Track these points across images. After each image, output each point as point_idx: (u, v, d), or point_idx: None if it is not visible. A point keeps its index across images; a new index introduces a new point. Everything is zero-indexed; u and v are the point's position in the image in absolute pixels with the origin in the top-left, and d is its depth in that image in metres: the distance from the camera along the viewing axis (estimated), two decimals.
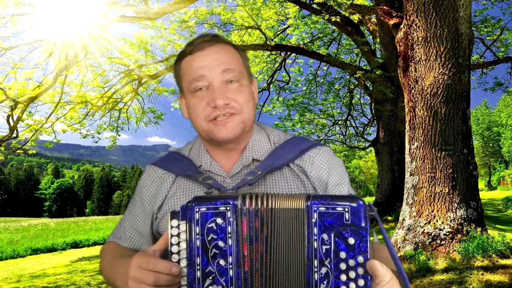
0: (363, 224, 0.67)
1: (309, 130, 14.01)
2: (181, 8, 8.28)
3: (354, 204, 0.68)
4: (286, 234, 0.73)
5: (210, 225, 0.73)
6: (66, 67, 7.84)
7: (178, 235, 0.75)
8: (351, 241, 0.67)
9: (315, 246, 0.70)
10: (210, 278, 0.72)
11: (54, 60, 8.93)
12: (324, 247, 0.69)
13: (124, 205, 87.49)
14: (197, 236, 0.73)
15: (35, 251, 11.90)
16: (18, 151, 9.37)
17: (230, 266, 0.72)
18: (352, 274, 0.67)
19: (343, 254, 0.67)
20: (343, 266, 0.67)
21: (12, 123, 8.22)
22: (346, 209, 0.68)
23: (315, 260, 0.69)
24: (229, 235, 0.73)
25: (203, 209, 0.74)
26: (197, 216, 0.74)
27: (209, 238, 0.73)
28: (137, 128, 13.12)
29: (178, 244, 0.75)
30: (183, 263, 0.74)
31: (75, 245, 13.08)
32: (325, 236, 0.69)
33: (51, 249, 12.29)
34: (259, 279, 0.73)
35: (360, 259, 0.66)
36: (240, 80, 0.95)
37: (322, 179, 0.97)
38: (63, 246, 12.66)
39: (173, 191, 0.99)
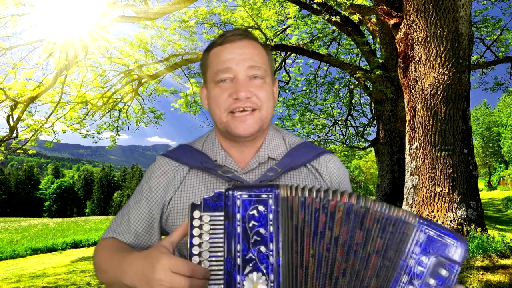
0: (460, 261, 0.71)
1: (309, 130, 14.01)
2: (181, 8, 8.28)
3: (462, 242, 0.71)
4: (364, 234, 0.73)
5: (251, 212, 0.73)
6: (66, 67, 7.84)
7: (200, 227, 0.74)
8: (444, 272, 0.70)
9: (411, 264, 0.72)
10: (251, 264, 0.72)
11: (54, 60, 8.93)
12: (419, 268, 0.71)
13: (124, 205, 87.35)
14: (238, 223, 0.73)
15: (35, 251, 11.89)
16: (18, 151, 9.36)
17: (271, 253, 0.72)
18: None
19: (432, 281, 0.70)
20: None
21: (12, 123, 8.22)
22: (454, 244, 0.71)
23: (405, 276, 0.72)
24: (271, 222, 0.73)
25: (245, 196, 0.74)
26: (238, 202, 0.74)
27: (250, 225, 0.73)
28: (137, 128, 13.12)
29: (200, 236, 0.74)
30: (205, 255, 0.73)
31: (75, 245, 13.07)
32: (424, 258, 0.71)
33: (51, 249, 12.28)
34: (290, 267, 0.73)
35: None
36: (264, 77, 0.96)
37: (333, 183, 1.02)
38: (63, 246, 12.65)
39: (186, 183, 0.98)
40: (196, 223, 0.74)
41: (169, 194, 0.98)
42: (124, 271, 0.79)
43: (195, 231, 0.74)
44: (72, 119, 11.02)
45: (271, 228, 0.73)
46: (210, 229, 0.74)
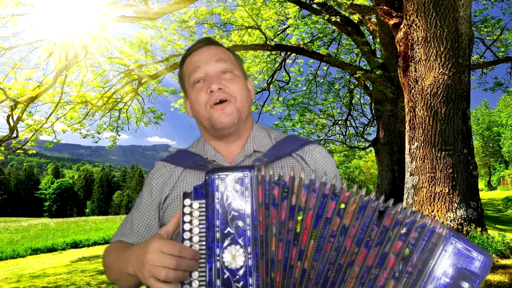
0: (482, 276, 0.72)
1: (309, 130, 14.00)
2: (181, 8, 8.28)
3: (488, 258, 0.73)
4: (384, 232, 0.74)
5: (228, 191, 0.78)
6: (66, 67, 7.84)
7: (190, 214, 0.78)
8: (466, 286, 0.72)
9: (437, 274, 0.73)
10: (229, 238, 0.76)
11: (54, 60, 8.93)
12: (444, 279, 0.73)
13: (124, 205, 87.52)
14: (217, 201, 0.77)
15: (35, 251, 11.89)
16: (18, 151, 9.36)
17: (248, 227, 0.76)
18: None
19: None
20: None
21: (12, 123, 8.21)
22: (479, 258, 0.73)
23: (430, 285, 0.73)
24: (247, 199, 0.77)
25: (223, 175, 0.78)
26: (216, 182, 0.78)
27: (228, 202, 0.77)
28: (137, 128, 13.11)
29: (190, 222, 0.78)
30: (195, 239, 0.77)
31: (75, 245, 13.06)
32: (450, 270, 0.73)
33: (51, 249, 12.27)
34: (278, 242, 0.77)
35: None
36: (232, 70, 1.04)
37: (319, 171, 1.05)
38: (63, 246, 12.65)
39: (181, 180, 1.04)
40: (187, 210, 0.79)
41: (165, 192, 1.04)
42: (127, 261, 0.85)
43: (186, 218, 0.78)
44: (72, 119, 11.02)
45: (247, 205, 0.77)
46: (200, 215, 0.78)
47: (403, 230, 0.74)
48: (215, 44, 1.09)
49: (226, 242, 0.76)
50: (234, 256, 0.75)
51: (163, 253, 0.75)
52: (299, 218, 0.76)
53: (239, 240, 0.76)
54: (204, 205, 0.78)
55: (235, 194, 0.78)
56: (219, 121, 0.99)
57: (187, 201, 0.79)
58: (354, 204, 0.75)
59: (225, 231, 0.76)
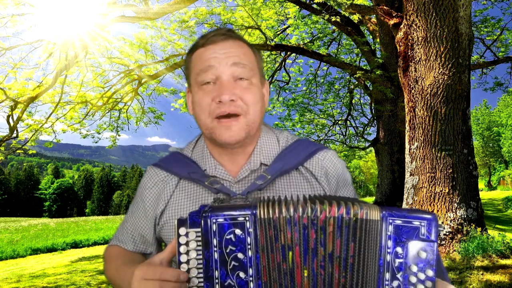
0: (433, 238, 0.69)
1: (309, 130, 14.01)
2: (181, 8, 8.28)
3: (430, 217, 0.69)
4: (343, 243, 0.70)
5: (228, 237, 0.70)
6: (66, 67, 7.84)
7: (186, 244, 0.72)
8: (423, 254, 0.68)
9: (388, 259, 0.70)
10: None
11: (54, 60, 8.93)
12: (397, 260, 0.69)
13: (124, 205, 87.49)
14: (215, 249, 0.70)
15: (35, 251, 11.89)
16: (18, 151, 9.36)
17: (251, 279, 0.70)
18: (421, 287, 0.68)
19: (414, 268, 0.69)
20: (413, 279, 0.69)
21: (12, 123, 8.21)
22: (422, 224, 0.69)
23: (387, 273, 0.70)
24: (249, 246, 0.70)
25: (220, 219, 0.70)
26: (214, 227, 0.70)
27: (227, 250, 0.70)
28: (137, 128, 13.12)
29: (187, 253, 0.72)
30: (193, 273, 0.72)
31: (75, 245, 13.06)
32: (399, 249, 0.69)
33: (51, 249, 12.27)
34: None
35: (429, 272, 0.68)
36: (250, 78, 0.90)
37: (331, 182, 0.97)
38: (63, 246, 12.65)
39: (177, 195, 0.95)
40: (182, 240, 0.72)
41: (160, 206, 0.96)
42: (122, 282, 0.87)
43: (182, 249, 0.72)
44: (72, 119, 11.02)
45: (250, 253, 0.70)
46: (197, 245, 0.72)
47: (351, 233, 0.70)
48: (236, 39, 0.92)
49: None
50: None
51: (145, 280, 0.73)
52: (290, 256, 0.71)
53: None
54: (200, 234, 0.72)
55: (235, 240, 0.70)
56: (222, 138, 0.88)
57: (182, 230, 0.72)
58: (330, 225, 0.70)
59: (226, 284, 0.70)
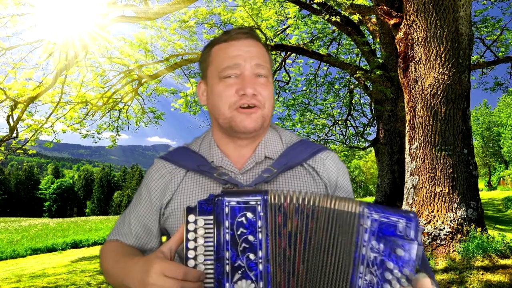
0: (413, 237, 0.68)
1: (309, 130, 14.00)
2: (181, 8, 8.28)
3: (409, 216, 0.69)
4: (328, 234, 0.73)
5: (240, 219, 0.73)
6: (66, 67, 7.84)
7: (195, 231, 0.74)
8: (400, 252, 0.68)
9: (363, 252, 0.70)
10: (240, 272, 0.72)
11: (54, 60, 8.93)
12: (372, 254, 0.70)
13: (124, 205, 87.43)
14: (227, 230, 0.73)
15: (35, 251, 11.89)
16: (18, 151, 9.36)
17: (260, 261, 0.72)
18: (396, 285, 0.68)
19: (390, 264, 0.69)
20: (388, 275, 0.68)
21: (12, 123, 8.21)
22: (401, 221, 0.69)
23: (361, 266, 0.70)
24: (259, 230, 0.73)
25: (233, 203, 0.74)
26: (226, 210, 0.73)
27: (238, 232, 0.73)
28: (137, 128, 13.11)
29: (195, 239, 0.74)
30: (200, 259, 0.74)
31: (75, 245, 13.06)
32: (375, 243, 0.70)
33: (51, 249, 12.28)
34: (282, 274, 0.73)
35: (406, 271, 0.68)
36: (267, 76, 0.98)
37: (331, 181, 1.01)
38: (63, 246, 12.65)
39: (183, 186, 0.98)
40: (191, 227, 0.74)
41: (166, 196, 0.98)
42: (128, 275, 0.82)
43: (190, 235, 0.74)
44: (72, 119, 11.02)
45: (260, 235, 0.73)
46: (205, 232, 0.74)
47: (331, 223, 0.73)
48: (257, 40, 1.00)
49: (237, 276, 0.71)
50: None
51: (166, 277, 0.72)
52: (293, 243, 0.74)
53: (250, 274, 0.71)
54: (210, 222, 0.74)
55: (246, 223, 0.73)
56: (242, 125, 0.93)
57: (191, 217, 0.74)
58: (322, 217, 0.74)
59: (236, 264, 0.72)
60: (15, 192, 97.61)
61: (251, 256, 0.72)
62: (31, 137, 9.60)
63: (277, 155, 1.00)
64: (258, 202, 0.73)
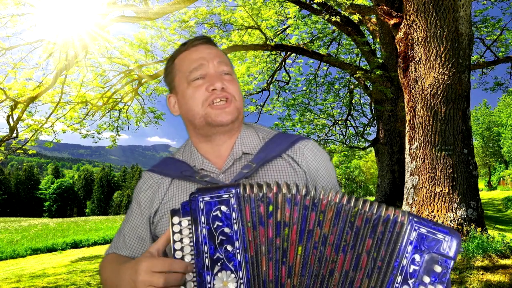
0: (453, 256, 0.70)
1: (309, 130, 14.00)
2: (181, 8, 8.28)
3: (454, 237, 0.71)
4: (355, 235, 0.73)
5: (215, 213, 0.75)
6: (66, 67, 7.84)
7: (180, 232, 0.76)
8: (438, 269, 0.70)
9: (404, 263, 0.71)
10: (219, 264, 0.74)
11: (54, 60, 8.93)
12: (412, 267, 0.71)
13: (124, 205, 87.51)
14: (203, 225, 0.75)
15: (35, 251, 11.89)
16: (18, 151, 9.37)
17: (238, 251, 0.74)
18: None
19: (427, 279, 0.70)
20: None
21: (12, 123, 8.21)
22: (446, 239, 0.71)
23: (399, 276, 0.71)
24: (234, 221, 0.75)
25: (207, 198, 0.76)
26: (201, 205, 0.76)
27: (214, 226, 0.75)
28: (137, 128, 13.11)
29: (181, 240, 0.76)
30: (187, 258, 0.76)
31: (75, 245, 13.06)
32: (417, 257, 0.71)
33: (51, 249, 12.27)
34: (268, 262, 0.75)
35: (439, 286, 0.70)
36: (231, 74, 1.03)
37: (311, 169, 1.02)
38: (63, 246, 12.65)
39: (170, 194, 1.01)
40: (176, 228, 0.77)
41: (154, 205, 1.02)
42: (121, 279, 0.85)
43: (176, 236, 0.77)
44: (72, 119, 11.02)
45: (235, 227, 0.75)
46: (190, 232, 0.76)
47: (368, 227, 0.73)
48: (214, 45, 1.06)
49: (216, 268, 0.74)
50: (226, 283, 0.73)
51: (153, 272, 0.74)
52: (285, 233, 0.75)
53: (230, 265, 0.74)
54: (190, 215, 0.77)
55: (221, 216, 0.75)
56: (218, 118, 0.96)
57: (176, 219, 0.77)
58: (331, 211, 0.74)
59: (214, 257, 0.74)
60: (15, 192, 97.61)
61: (229, 247, 0.74)
62: (31, 137, 9.60)
63: (255, 150, 1.02)
64: (231, 195, 0.75)
